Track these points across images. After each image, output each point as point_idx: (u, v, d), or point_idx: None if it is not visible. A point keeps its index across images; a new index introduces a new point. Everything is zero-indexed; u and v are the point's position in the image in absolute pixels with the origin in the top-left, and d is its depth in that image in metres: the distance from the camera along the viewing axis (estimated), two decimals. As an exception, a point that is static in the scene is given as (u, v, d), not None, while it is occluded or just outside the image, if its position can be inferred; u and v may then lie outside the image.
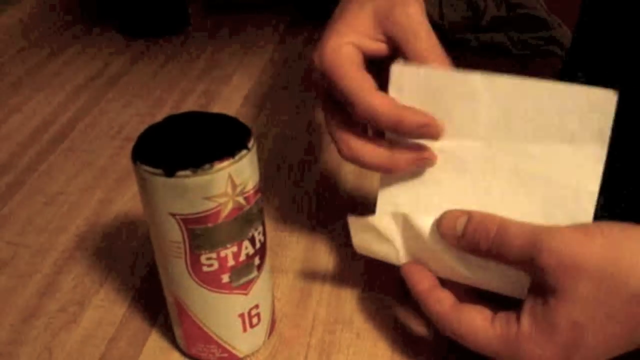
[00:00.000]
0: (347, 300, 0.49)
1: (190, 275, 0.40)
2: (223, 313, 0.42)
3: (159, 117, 0.73)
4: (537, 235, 0.36)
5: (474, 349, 0.39)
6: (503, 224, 0.38)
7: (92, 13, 1.00)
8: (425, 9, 0.44)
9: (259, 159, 0.40)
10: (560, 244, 0.36)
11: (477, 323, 0.39)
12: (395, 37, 0.43)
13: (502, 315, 0.38)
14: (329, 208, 0.58)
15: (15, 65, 0.85)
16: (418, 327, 0.46)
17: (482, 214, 0.39)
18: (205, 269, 0.40)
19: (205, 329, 0.42)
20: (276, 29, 0.96)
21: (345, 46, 0.43)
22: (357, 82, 0.42)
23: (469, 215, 0.40)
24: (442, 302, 0.40)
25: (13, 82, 0.82)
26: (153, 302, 0.49)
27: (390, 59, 0.44)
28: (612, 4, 0.54)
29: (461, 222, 0.40)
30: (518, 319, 0.37)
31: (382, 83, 0.43)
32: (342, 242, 0.54)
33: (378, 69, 0.45)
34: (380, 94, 0.42)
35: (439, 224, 0.41)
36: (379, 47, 0.44)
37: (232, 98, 0.78)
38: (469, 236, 0.39)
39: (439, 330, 0.41)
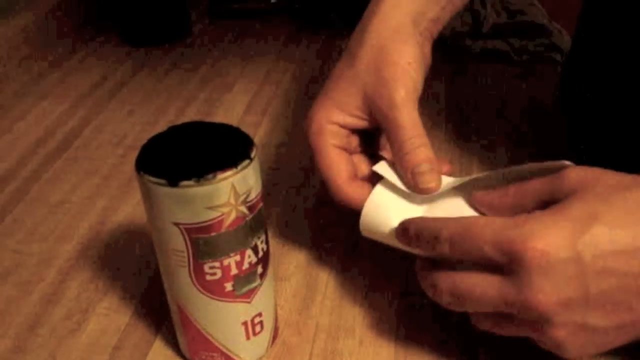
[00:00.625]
0: (350, 307, 0.49)
1: (193, 283, 0.40)
2: (226, 321, 0.42)
3: (161, 125, 0.74)
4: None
5: (479, 246, 0.37)
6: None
7: (94, 21, 1.00)
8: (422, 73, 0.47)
9: (261, 167, 0.40)
10: (581, 166, 0.38)
11: (481, 219, 0.38)
12: (379, 122, 0.46)
13: None
14: (331, 215, 0.59)
15: (18, 74, 0.85)
16: (421, 334, 0.47)
17: None
18: (208, 277, 0.40)
19: (208, 336, 0.43)
20: (278, 37, 0.97)
21: (328, 125, 0.47)
22: (333, 170, 0.47)
23: None
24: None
25: (16, 91, 0.82)
26: (157, 310, 0.49)
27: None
28: (611, 11, 0.55)
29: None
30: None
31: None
32: (344, 250, 0.55)
33: None
34: (348, 187, 0.46)
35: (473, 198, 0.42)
36: (364, 124, 0.47)
37: (234, 106, 0.78)
38: (499, 191, 0.41)
39: (441, 246, 0.39)
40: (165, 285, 0.43)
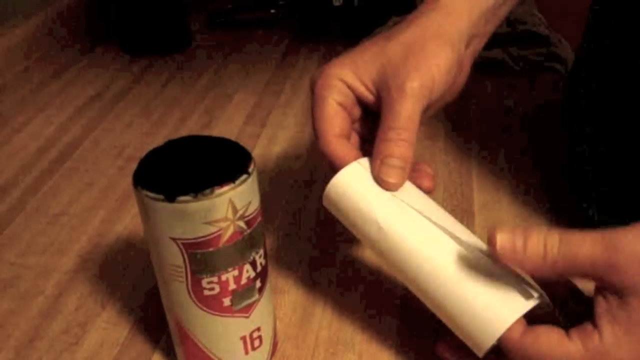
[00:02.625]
0: (349, 321, 0.49)
1: (191, 298, 0.40)
2: (225, 336, 0.42)
3: (160, 136, 0.74)
4: (607, 238, 0.36)
5: None
6: (564, 234, 0.37)
7: (94, 32, 1.00)
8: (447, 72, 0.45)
9: (261, 178, 0.40)
10: (636, 243, 0.36)
11: (554, 342, 0.37)
12: (381, 103, 0.45)
13: (576, 329, 0.37)
14: (331, 227, 0.58)
15: (19, 85, 0.85)
16: (421, 348, 0.46)
17: (538, 229, 0.39)
18: (206, 292, 0.40)
19: (207, 351, 0.42)
20: (278, 46, 0.97)
21: (338, 82, 0.46)
22: (327, 122, 0.45)
23: (524, 233, 0.38)
24: (512, 330, 0.39)
25: (16, 102, 0.82)
26: (155, 324, 0.49)
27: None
28: (618, 28, 0.54)
29: (520, 239, 0.38)
30: (595, 326, 0.37)
31: None
32: (344, 263, 0.54)
33: None
34: (336, 142, 0.45)
35: (490, 243, 0.39)
36: (369, 98, 0.46)
37: (234, 116, 0.78)
38: (532, 252, 0.38)
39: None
40: (163, 300, 0.43)
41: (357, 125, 0.49)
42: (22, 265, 0.56)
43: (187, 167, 0.39)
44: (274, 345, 0.46)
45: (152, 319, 0.50)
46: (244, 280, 0.40)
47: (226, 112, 0.79)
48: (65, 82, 0.88)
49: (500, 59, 0.84)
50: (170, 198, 0.36)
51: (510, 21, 0.87)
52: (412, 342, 0.47)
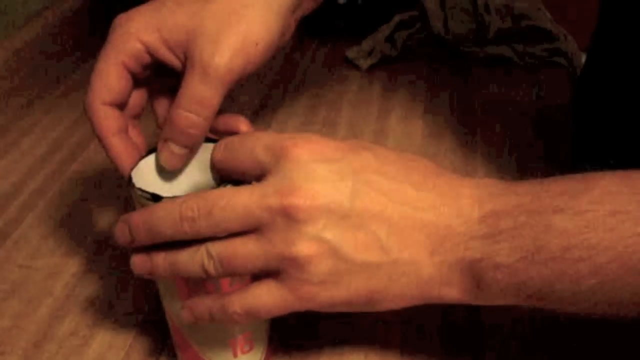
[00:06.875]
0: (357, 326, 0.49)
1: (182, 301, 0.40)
2: (214, 339, 0.42)
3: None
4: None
5: (250, 152, 0.39)
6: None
7: (99, 34, 1.01)
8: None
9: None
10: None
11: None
12: (185, 71, 0.41)
13: None
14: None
15: (25, 88, 0.86)
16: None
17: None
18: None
19: (201, 354, 0.43)
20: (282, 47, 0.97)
21: (137, 44, 0.42)
22: (101, 89, 0.45)
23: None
24: None
25: (22, 105, 0.83)
26: (162, 325, 0.49)
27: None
28: (629, 25, 0.53)
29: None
30: None
31: None
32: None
33: None
34: (102, 110, 0.44)
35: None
36: (174, 63, 0.43)
37: (239, 116, 0.78)
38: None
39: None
40: (162, 302, 0.43)
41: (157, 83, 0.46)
42: (31, 268, 0.57)
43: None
44: (268, 351, 0.45)
45: (159, 320, 0.50)
46: (235, 284, 0.40)
47: (232, 112, 0.79)
48: (72, 84, 0.88)
49: (506, 55, 0.84)
50: (157, 199, 0.37)
51: (515, 17, 0.86)
52: (418, 345, 0.47)
